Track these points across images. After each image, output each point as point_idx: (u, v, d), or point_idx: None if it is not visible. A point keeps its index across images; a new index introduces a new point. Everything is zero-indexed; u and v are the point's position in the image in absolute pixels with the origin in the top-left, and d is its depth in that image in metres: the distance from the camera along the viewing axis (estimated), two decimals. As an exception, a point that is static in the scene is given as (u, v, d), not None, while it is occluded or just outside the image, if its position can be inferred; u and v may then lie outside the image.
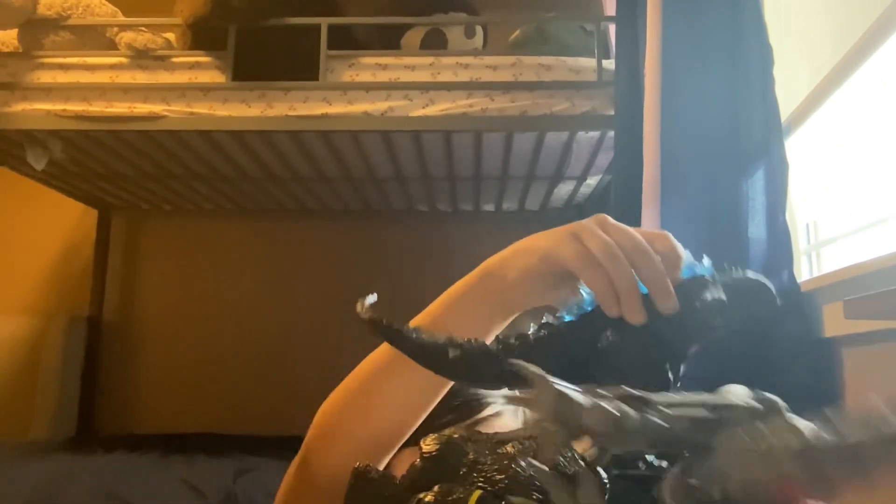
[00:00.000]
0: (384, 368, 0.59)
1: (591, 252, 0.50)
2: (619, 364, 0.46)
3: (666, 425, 0.32)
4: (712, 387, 0.51)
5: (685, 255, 0.51)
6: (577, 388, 0.33)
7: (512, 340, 0.46)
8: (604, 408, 0.31)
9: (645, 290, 0.49)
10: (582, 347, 0.48)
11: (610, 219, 0.53)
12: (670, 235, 0.52)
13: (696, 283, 0.49)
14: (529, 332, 0.48)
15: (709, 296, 0.48)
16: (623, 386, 0.34)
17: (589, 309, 0.50)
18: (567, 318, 0.50)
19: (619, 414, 0.31)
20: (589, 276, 0.50)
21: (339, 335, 2.73)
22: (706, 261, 0.51)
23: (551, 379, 0.33)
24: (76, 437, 2.58)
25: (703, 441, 0.33)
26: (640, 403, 0.33)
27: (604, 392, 0.33)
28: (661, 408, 0.33)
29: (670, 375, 0.47)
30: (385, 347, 0.59)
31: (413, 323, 0.59)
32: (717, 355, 0.87)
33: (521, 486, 0.38)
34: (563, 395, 0.32)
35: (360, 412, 0.59)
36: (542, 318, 0.50)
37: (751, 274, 0.49)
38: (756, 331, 1.10)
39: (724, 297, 0.48)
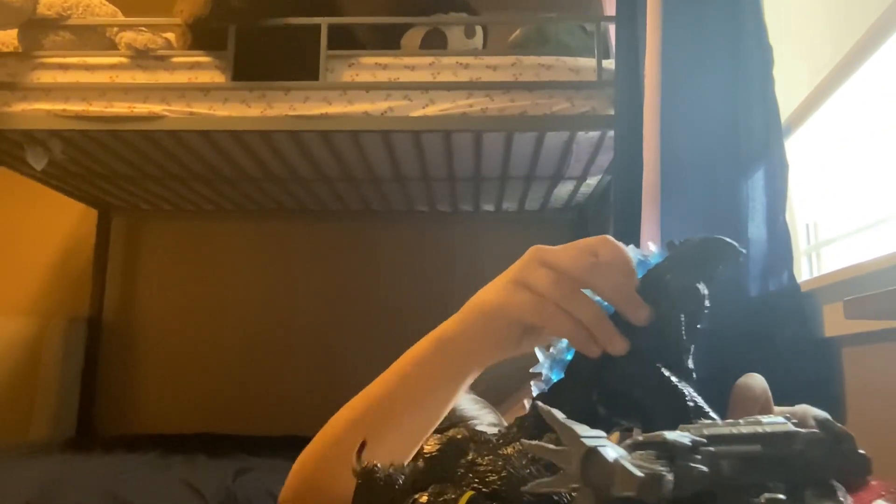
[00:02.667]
0: (360, 421, 0.55)
1: (544, 296, 0.46)
2: (632, 396, 0.44)
3: (706, 470, 0.29)
4: (715, 386, 0.50)
5: (632, 252, 0.47)
6: (609, 443, 0.29)
7: (513, 431, 0.43)
8: (634, 474, 0.27)
9: (612, 309, 0.46)
10: (586, 396, 0.44)
11: (544, 247, 0.48)
12: (609, 238, 0.48)
13: (656, 275, 0.46)
14: (525, 414, 0.45)
15: (674, 283, 0.45)
16: (663, 433, 0.30)
17: (569, 357, 0.47)
18: (554, 377, 0.47)
19: (650, 478, 0.27)
20: (552, 324, 0.46)
21: (339, 335, 2.74)
22: (652, 246, 0.48)
23: (582, 432, 0.29)
24: (76, 438, 2.58)
25: (757, 480, 0.31)
26: (681, 451, 0.29)
27: (642, 439, 0.30)
28: (705, 448, 0.30)
29: (690, 366, 0.44)
30: (359, 400, 0.56)
31: (367, 396, 0.55)
32: (718, 356, 0.86)
33: (515, 488, 0.38)
34: (593, 454, 0.28)
35: (337, 464, 0.54)
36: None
37: (700, 236, 0.46)
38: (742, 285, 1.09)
39: (687, 279, 0.45)
